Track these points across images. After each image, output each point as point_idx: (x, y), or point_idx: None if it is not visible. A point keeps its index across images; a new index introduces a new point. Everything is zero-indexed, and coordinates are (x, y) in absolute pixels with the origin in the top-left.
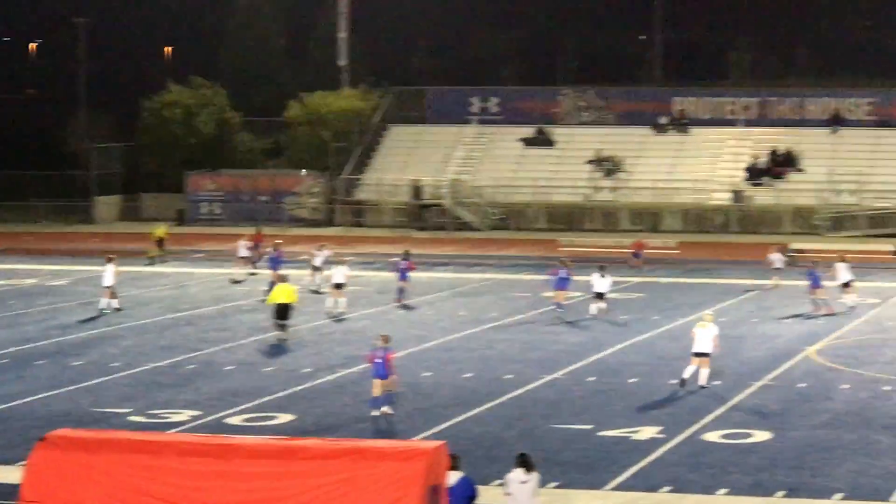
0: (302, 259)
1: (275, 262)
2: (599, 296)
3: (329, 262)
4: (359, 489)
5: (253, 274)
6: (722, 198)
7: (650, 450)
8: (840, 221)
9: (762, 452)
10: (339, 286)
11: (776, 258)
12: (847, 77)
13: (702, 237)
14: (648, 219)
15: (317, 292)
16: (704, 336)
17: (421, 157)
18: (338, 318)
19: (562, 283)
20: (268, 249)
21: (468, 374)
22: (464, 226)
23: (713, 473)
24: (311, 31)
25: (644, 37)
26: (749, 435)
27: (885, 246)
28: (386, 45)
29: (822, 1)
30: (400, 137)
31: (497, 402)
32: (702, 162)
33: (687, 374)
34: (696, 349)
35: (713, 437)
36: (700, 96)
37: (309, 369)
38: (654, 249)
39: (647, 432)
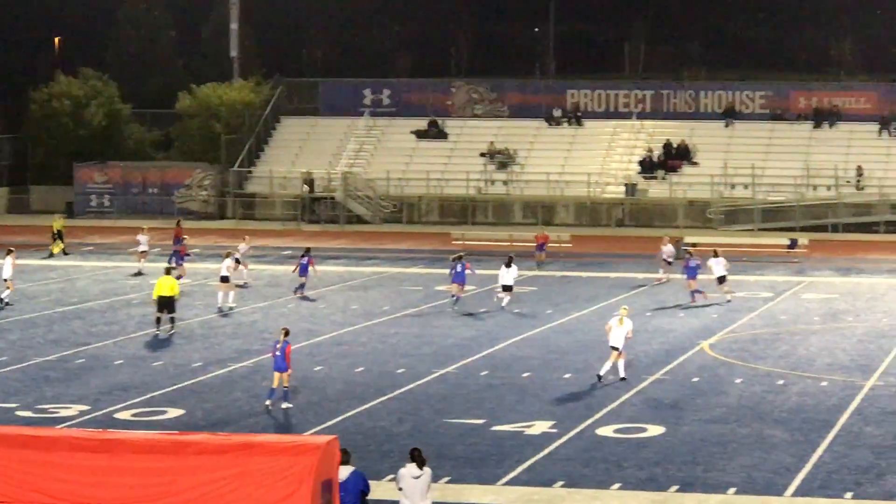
0: (194, 251)
1: (178, 257)
2: (507, 288)
3: (246, 256)
4: (250, 484)
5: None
6: (615, 191)
7: (543, 444)
8: (734, 215)
9: (656, 447)
10: (225, 279)
11: (667, 251)
12: (741, 70)
13: (595, 230)
14: (542, 212)
15: (242, 286)
16: (619, 331)
17: (313, 150)
18: (226, 313)
19: (459, 277)
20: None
21: (360, 369)
22: (356, 219)
23: (607, 468)
24: (202, 23)
25: (538, 29)
26: (643, 429)
27: (779, 240)
28: (278, 36)
29: None
30: (292, 130)
31: (389, 396)
32: (595, 155)
33: (603, 370)
34: (611, 343)
35: (607, 431)
36: (594, 89)
37: (199, 363)
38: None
39: (540, 427)
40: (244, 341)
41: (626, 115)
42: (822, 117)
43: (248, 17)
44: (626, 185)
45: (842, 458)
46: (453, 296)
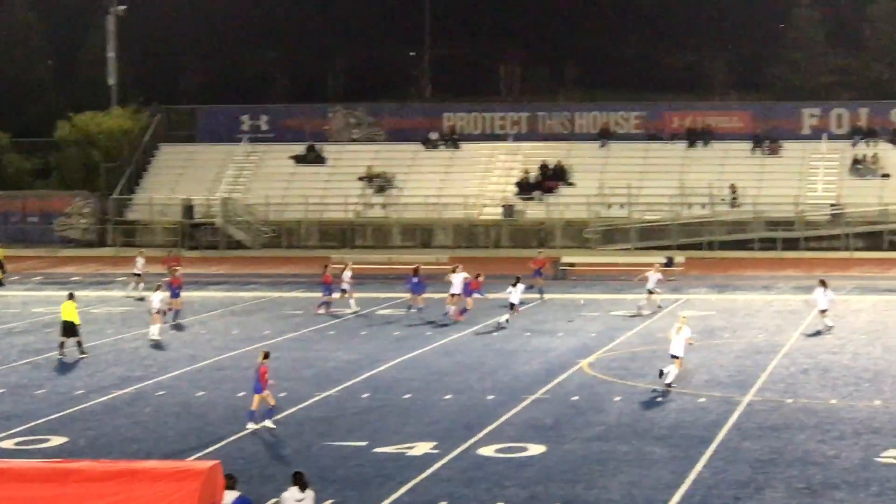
0: (74, 280)
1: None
2: (512, 306)
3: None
4: None
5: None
6: (493, 212)
7: (425, 465)
8: (611, 234)
9: (537, 465)
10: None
11: (653, 278)
12: (616, 91)
13: (473, 252)
14: (420, 234)
15: (141, 299)
16: (678, 339)
17: (192, 177)
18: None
19: (417, 288)
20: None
21: (242, 393)
22: (236, 244)
23: (488, 488)
24: (80, 51)
25: (413, 53)
26: (524, 448)
27: (656, 258)
28: (155, 64)
29: (591, 16)
30: (171, 157)
31: (271, 420)
32: (473, 177)
33: (670, 378)
34: (671, 352)
35: (488, 451)
36: (470, 112)
37: (81, 391)
38: (425, 266)
39: (421, 448)
40: (126, 368)
41: (503, 137)
42: (696, 137)
43: (125, 46)
44: (503, 206)
45: (721, 473)
46: (409, 307)
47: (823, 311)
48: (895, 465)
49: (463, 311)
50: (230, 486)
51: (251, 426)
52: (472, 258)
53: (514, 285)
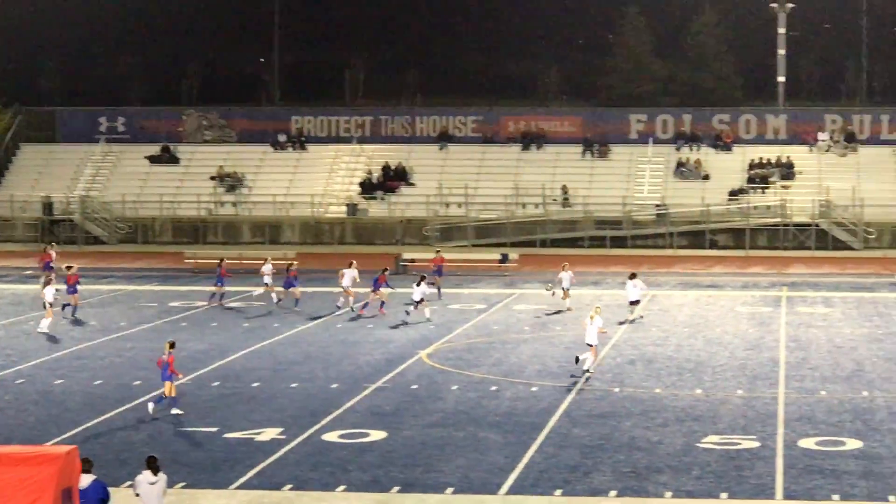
0: None
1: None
2: (417, 303)
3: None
4: None
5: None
6: (338, 211)
7: (272, 450)
8: (449, 232)
9: (378, 450)
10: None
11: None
12: (454, 97)
13: (319, 248)
14: (269, 231)
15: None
16: (591, 328)
17: (52, 175)
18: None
19: (377, 285)
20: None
21: (99, 381)
22: (94, 240)
23: (332, 471)
24: None
25: (263, 59)
26: (366, 434)
27: (492, 254)
28: (15, 66)
29: (431, 26)
30: (31, 157)
31: (126, 407)
32: (319, 177)
33: (587, 364)
34: (587, 340)
35: (332, 437)
36: (316, 115)
37: None
38: (274, 261)
39: (269, 434)
40: None
41: (347, 140)
42: (530, 140)
43: None
44: (347, 205)
45: (551, 458)
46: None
47: (635, 303)
48: (715, 450)
49: (381, 304)
50: (86, 470)
51: (176, 410)
52: (319, 254)
53: (419, 284)
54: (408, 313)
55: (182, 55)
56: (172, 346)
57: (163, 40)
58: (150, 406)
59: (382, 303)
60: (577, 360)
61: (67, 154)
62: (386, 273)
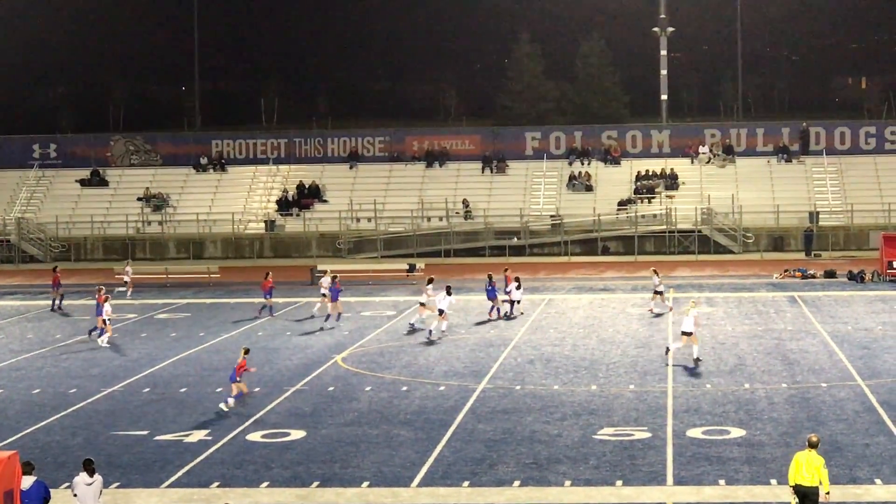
0: None
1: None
2: (441, 312)
3: None
4: None
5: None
6: (257, 227)
7: (200, 451)
8: (360, 244)
9: (298, 449)
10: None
11: (325, 282)
12: (363, 119)
13: (240, 262)
14: (193, 247)
15: None
16: (688, 319)
17: None
18: None
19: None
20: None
21: (37, 390)
22: (30, 258)
23: (256, 469)
24: None
25: (184, 87)
26: (286, 434)
27: (400, 265)
28: None
29: (340, 54)
30: None
31: (63, 413)
32: (238, 196)
33: (673, 346)
34: (683, 329)
35: (255, 437)
36: (235, 139)
37: None
38: (198, 274)
39: (196, 435)
40: None
41: (264, 161)
42: (433, 158)
43: None
44: (265, 221)
45: (459, 452)
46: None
47: (516, 303)
48: (610, 441)
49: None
50: (27, 472)
51: (228, 402)
52: (239, 267)
53: (448, 294)
54: (437, 327)
55: (109, 85)
56: (247, 352)
57: (91, 71)
58: (230, 401)
59: (497, 308)
60: (666, 350)
61: (3, 179)
62: (509, 273)
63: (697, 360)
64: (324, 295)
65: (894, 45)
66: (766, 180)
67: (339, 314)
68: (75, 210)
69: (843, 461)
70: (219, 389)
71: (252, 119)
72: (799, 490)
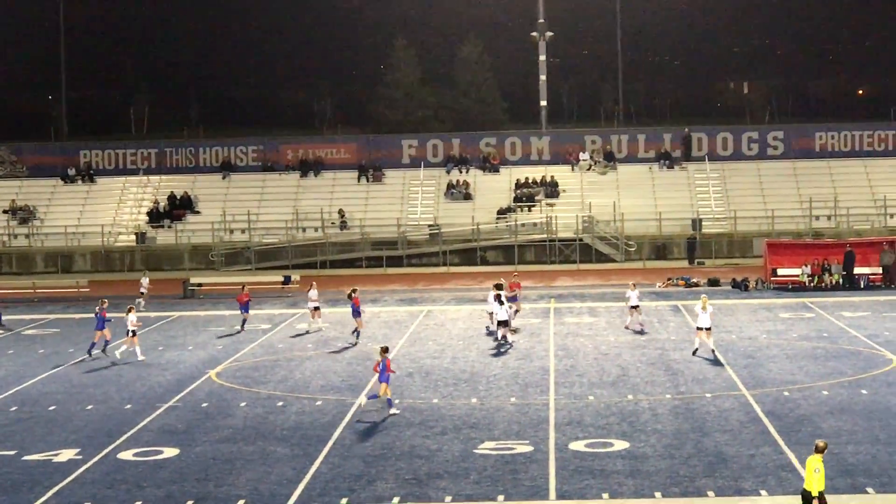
0: None
1: None
2: (505, 323)
3: None
4: None
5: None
6: (127, 239)
7: (70, 470)
8: (234, 256)
9: (171, 467)
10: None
11: (313, 294)
12: (235, 128)
13: (110, 275)
14: (61, 261)
15: None
16: (704, 314)
17: None
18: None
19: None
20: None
21: None
22: None
23: (128, 488)
24: None
25: (51, 96)
26: (159, 452)
27: (275, 277)
28: None
29: (211, 61)
30: None
31: None
32: (108, 208)
33: (696, 344)
34: (698, 325)
35: (127, 455)
36: (104, 149)
37: None
38: (67, 289)
39: (66, 454)
40: None
41: (135, 171)
42: (308, 167)
43: None
44: (136, 233)
45: (337, 468)
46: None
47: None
48: (491, 455)
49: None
50: None
51: (394, 410)
52: (110, 280)
53: (501, 303)
54: (504, 338)
55: None
56: (386, 350)
57: None
58: (363, 399)
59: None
60: (694, 352)
61: None
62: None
63: (713, 351)
64: (316, 308)
65: (776, 49)
66: (648, 187)
67: (358, 331)
68: None
69: (727, 472)
70: (89, 407)
71: (121, 128)
72: (804, 496)
